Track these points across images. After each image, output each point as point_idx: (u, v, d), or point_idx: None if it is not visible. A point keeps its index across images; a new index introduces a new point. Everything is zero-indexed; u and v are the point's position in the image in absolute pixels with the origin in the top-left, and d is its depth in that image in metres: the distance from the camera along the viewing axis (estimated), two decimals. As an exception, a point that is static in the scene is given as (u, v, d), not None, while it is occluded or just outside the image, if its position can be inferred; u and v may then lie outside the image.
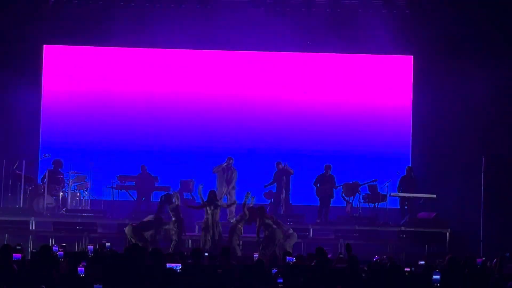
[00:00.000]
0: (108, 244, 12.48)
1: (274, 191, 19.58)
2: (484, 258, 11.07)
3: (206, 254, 12.59)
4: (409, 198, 19.25)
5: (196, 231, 17.79)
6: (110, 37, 20.57)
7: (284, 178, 19.31)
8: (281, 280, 8.85)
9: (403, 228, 18.29)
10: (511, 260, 10.78)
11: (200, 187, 16.41)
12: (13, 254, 9.65)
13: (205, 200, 16.22)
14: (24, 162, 19.02)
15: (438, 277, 8.86)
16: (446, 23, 19.73)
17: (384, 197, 19.27)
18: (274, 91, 21.24)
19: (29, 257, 10.94)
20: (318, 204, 19.47)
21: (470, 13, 19.56)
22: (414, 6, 20.36)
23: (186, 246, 16.78)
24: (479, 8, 19.51)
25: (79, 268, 8.70)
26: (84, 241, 16.96)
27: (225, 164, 18.93)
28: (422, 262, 11.67)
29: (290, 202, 19.42)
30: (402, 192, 19.29)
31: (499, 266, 10.27)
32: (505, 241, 17.29)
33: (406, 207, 19.30)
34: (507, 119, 19.93)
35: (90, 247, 11.12)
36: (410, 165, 19.99)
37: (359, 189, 19.39)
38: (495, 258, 11.04)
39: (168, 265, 9.12)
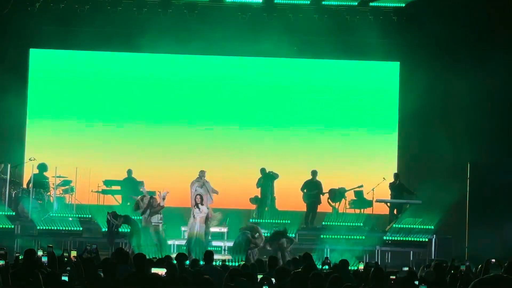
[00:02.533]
0: (94, 245, 12.45)
1: (259, 197, 19.54)
2: (468, 263, 11.09)
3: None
4: (397, 204, 19.29)
5: (182, 236, 17.77)
6: (96, 41, 20.52)
7: (270, 184, 19.31)
8: (267, 288, 8.81)
9: (388, 234, 18.33)
10: (496, 266, 10.78)
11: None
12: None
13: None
14: (9, 166, 18.94)
15: None
16: (433, 30, 19.79)
17: (369, 203, 19.31)
18: (260, 97, 21.23)
19: (13, 262, 10.87)
20: (305, 210, 19.51)
21: (457, 19, 19.64)
22: (401, 12, 20.43)
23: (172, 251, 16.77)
24: (465, 14, 19.58)
25: (62, 273, 8.65)
26: (69, 245, 16.90)
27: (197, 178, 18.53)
28: (406, 268, 11.67)
29: (276, 207, 19.40)
30: (392, 198, 19.34)
31: (484, 272, 10.29)
32: (490, 247, 17.33)
33: (395, 213, 19.33)
34: (493, 126, 20.02)
35: (74, 251, 11.09)
36: (396, 171, 20.05)
37: (345, 194, 19.41)
38: (480, 264, 11.06)
39: (153, 269, 9.07)
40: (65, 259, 10.49)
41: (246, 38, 20.31)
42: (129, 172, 19.68)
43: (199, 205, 16.66)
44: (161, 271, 8.79)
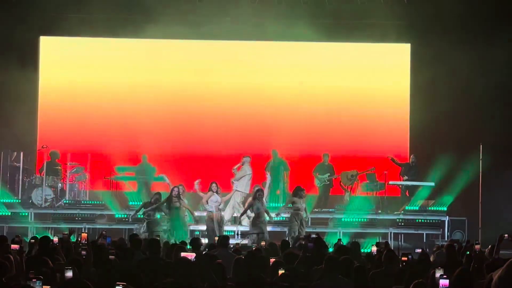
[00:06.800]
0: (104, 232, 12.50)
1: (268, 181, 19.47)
2: (479, 244, 11.09)
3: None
4: (410, 186, 19.27)
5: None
6: (106, 28, 20.53)
7: (282, 168, 19.29)
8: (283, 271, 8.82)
9: (401, 216, 18.32)
10: (509, 242, 10.70)
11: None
12: (11, 245, 9.67)
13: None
14: (22, 154, 19.04)
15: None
16: (444, 11, 19.67)
17: (382, 186, 19.28)
18: (271, 80, 21.15)
19: (27, 249, 10.94)
20: (317, 193, 19.50)
21: (468, 1, 19.51)
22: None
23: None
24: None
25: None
26: (83, 232, 16.95)
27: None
28: (419, 250, 11.69)
29: (288, 191, 19.34)
30: (405, 180, 19.32)
31: (496, 247, 10.26)
32: (504, 228, 17.31)
33: (407, 195, 19.31)
34: (504, 106, 19.93)
35: (84, 233, 11.17)
36: (409, 154, 20.03)
37: (357, 177, 19.39)
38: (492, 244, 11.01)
39: (182, 254, 9.08)
40: (80, 244, 10.54)
41: (255, 22, 20.25)
42: (144, 157, 19.67)
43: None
44: (191, 255, 8.84)
